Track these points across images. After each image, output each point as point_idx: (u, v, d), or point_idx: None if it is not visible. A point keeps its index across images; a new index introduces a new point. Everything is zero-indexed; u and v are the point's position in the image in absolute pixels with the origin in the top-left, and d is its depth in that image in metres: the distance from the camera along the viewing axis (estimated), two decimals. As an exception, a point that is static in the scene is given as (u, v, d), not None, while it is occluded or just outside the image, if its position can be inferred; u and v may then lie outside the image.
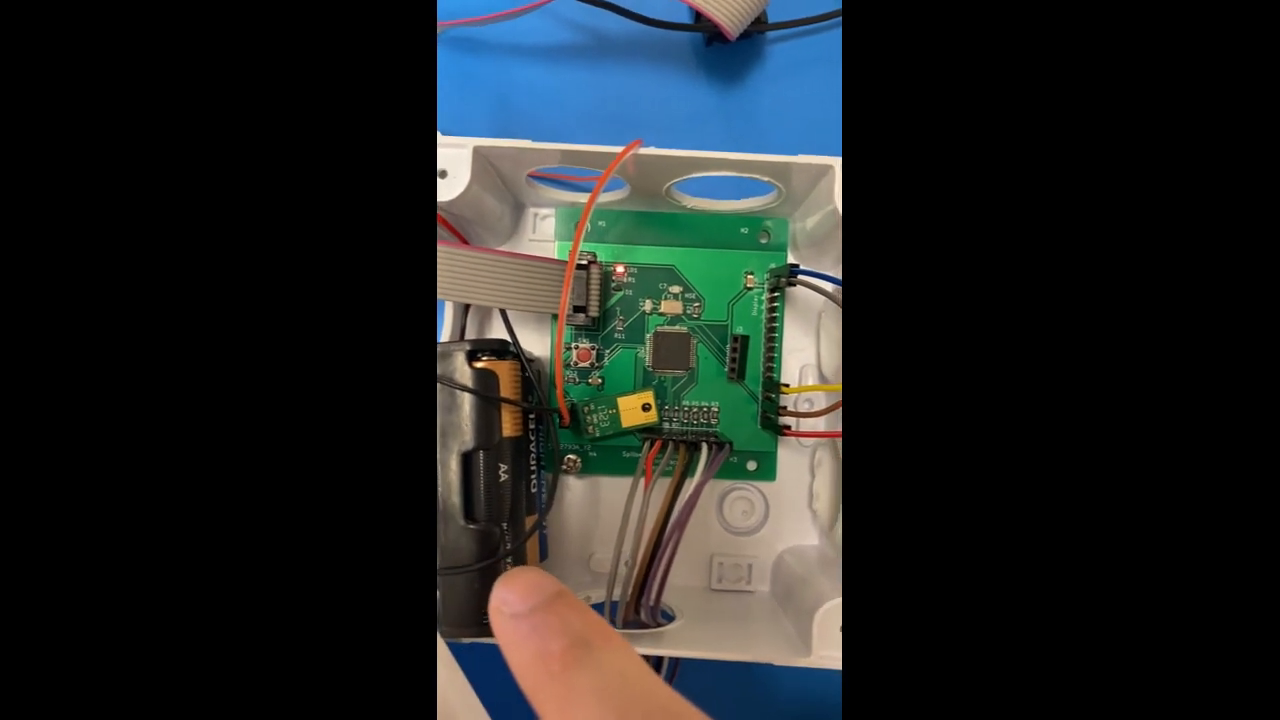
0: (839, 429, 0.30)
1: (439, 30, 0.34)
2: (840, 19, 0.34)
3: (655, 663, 0.30)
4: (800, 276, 0.28)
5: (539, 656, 0.15)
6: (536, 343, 0.32)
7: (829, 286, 0.28)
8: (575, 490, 0.32)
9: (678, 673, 0.30)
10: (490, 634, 0.25)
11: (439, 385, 0.24)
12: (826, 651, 0.24)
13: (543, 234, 0.32)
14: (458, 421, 0.24)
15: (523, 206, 0.32)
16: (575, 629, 0.16)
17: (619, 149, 0.25)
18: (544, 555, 0.31)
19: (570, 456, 0.31)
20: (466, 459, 0.24)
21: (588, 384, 0.31)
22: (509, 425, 0.25)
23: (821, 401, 0.31)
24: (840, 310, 0.29)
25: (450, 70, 0.34)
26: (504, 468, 0.25)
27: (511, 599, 0.17)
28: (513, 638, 0.16)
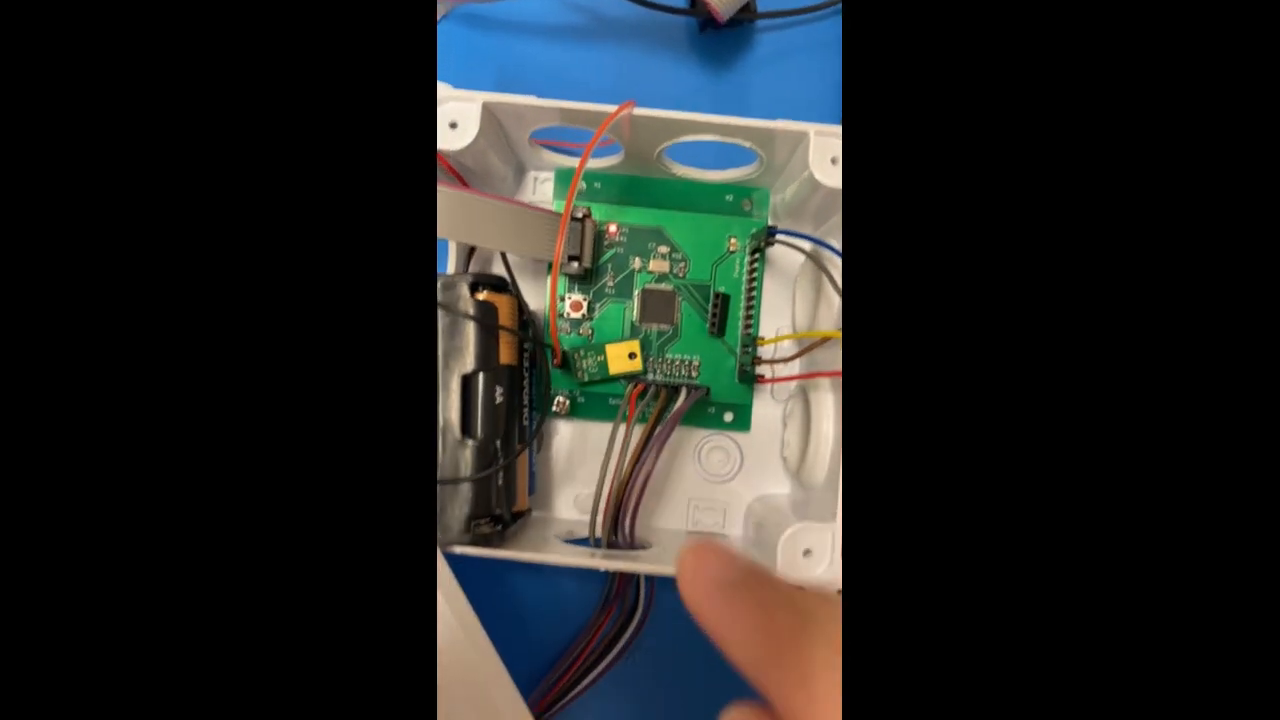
0: (806, 373, 0.33)
1: (452, 7, 0.36)
2: (826, 10, 0.37)
3: (635, 583, 0.32)
4: (779, 236, 0.31)
5: (767, 631, 0.15)
6: (532, 297, 0.34)
7: (805, 245, 0.31)
8: (563, 433, 0.34)
9: (654, 601, 0.32)
10: (480, 545, 0.27)
11: (444, 313, 0.27)
12: (791, 573, 0.27)
13: (542, 196, 0.35)
14: (460, 346, 0.27)
15: (524, 169, 0.35)
16: (797, 601, 0.15)
17: (614, 108, 0.28)
18: (532, 490, 0.33)
19: (560, 398, 0.33)
20: (466, 381, 0.27)
21: (579, 334, 0.34)
22: (506, 353, 0.28)
23: (792, 353, 0.34)
24: (814, 270, 0.32)
25: (459, 45, 0.37)
26: (500, 390, 0.27)
27: (717, 566, 0.16)
28: (735, 611, 0.15)
